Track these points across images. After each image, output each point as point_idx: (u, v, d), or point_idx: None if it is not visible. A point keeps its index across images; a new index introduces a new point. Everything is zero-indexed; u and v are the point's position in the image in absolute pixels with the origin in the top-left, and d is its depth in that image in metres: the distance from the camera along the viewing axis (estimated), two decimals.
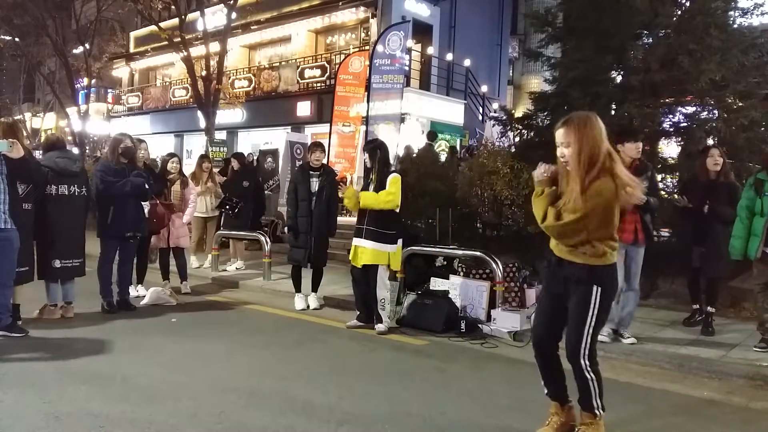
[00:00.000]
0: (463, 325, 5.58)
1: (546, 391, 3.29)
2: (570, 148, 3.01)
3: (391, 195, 5.45)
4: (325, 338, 5.45)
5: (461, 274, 6.32)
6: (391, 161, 6.26)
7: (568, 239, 3.04)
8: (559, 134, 3.06)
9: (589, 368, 3.06)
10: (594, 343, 3.08)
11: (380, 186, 5.50)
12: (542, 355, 3.26)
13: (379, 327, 5.58)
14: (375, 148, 5.69)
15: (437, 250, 6.71)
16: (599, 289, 3.02)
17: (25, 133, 6.04)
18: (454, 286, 6.11)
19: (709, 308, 5.55)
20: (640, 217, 5.02)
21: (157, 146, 20.67)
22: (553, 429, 3.26)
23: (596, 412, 3.11)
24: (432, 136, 12.57)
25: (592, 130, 2.98)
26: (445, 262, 6.90)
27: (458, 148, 14.62)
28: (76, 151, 18.28)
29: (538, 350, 3.27)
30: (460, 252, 6.49)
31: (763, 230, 4.88)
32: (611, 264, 3.05)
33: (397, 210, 5.61)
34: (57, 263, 5.63)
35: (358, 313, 5.82)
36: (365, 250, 5.51)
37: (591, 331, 3.04)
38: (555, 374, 3.25)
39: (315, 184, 6.31)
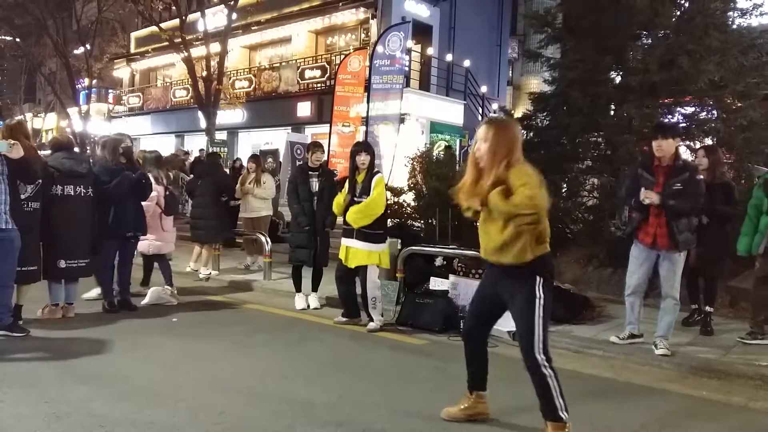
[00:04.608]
0: (462, 325, 5.58)
1: (467, 375, 3.45)
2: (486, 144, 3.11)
3: (375, 203, 5.47)
4: (325, 338, 5.46)
5: (461, 273, 6.32)
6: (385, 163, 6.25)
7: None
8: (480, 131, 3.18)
9: (545, 364, 3.04)
10: (546, 344, 3.09)
11: (368, 188, 5.52)
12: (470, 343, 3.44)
13: (371, 325, 5.62)
14: (372, 150, 5.71)
15: (437, 250, 6.72)
16: (540, 279, 3.08)
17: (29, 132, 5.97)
18: (453, 286, 6.13)
19: (707, 308, 5.56)
20: (666, 221, 4.73)
21: (158, 146, 20.72)
22: (458, 410, 3.42)
23: (561, 414, 3.00)
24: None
25: (509, 133, 3.13)
26: (445, 262, 6.91)
27: (458, 148, 14.63)
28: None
29: (467, 339, 3.45)
30: (459, 252, 6.50)
31: (766, 228, 4.97)
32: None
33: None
34: (62, 263, 5.62)
35: (343, 310, 5.92)
36: (357, 251, 5.54)
37: (542, 322, 3.06)
38: (477, 359, 3.42)
39: (315, 185, 6.33)
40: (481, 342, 3.43)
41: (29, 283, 5.20)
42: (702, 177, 4.83)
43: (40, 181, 5.18)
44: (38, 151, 6.11)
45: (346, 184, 5.70)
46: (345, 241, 5.65)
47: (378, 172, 5.69)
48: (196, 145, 20.77)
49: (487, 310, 3.38)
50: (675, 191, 4.70)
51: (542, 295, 3.08)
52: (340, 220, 5.91)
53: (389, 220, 7.79)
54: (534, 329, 3.06)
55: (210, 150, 14.42)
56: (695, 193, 4.74)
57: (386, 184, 5.68)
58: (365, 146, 5.82)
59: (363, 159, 5.58)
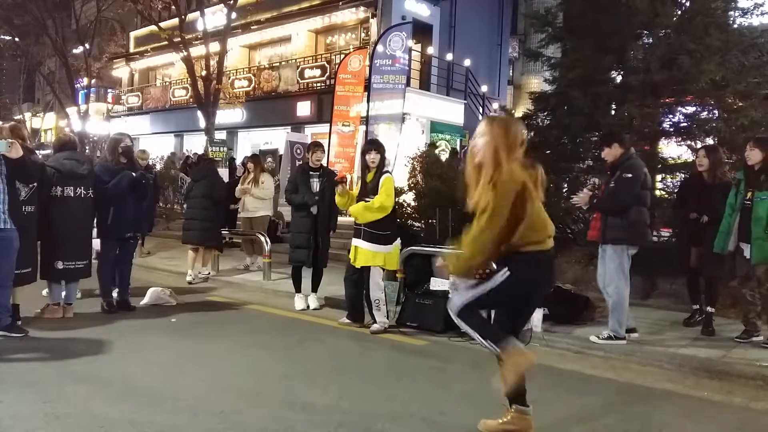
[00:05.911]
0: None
1: None
2: (483, 138, 3.10)
3: (382, 206, 5.41)
4: (325, 338, 5.45)
5: None
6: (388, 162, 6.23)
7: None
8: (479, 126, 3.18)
9: (460, 320, 3.18)
10: (469, 306, 3.22)
11: (376, 187, 5.49)
12: None
13: (374, 327, 5.59)
14: (383, 149, 5.67)
15: (437, 250, 6.70)
16: (507, 272, 3.10)
17: (26, 134, 5.89)
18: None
19: (708, 308, 5.55)
20: (601, 218, 5.19)
21: (157, 146, 20.73)
22: (496, 423, 3.22)
23: (494, 351, 3.03)
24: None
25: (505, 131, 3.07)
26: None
27: (458, 148, 14.62)
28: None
29: None
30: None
31: (733, 224, 5.04)
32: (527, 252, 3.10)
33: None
34: (60, 264, 5.61)
35: (347, 312, 5.89)
36: (362, 251, 5.52)
37: (475, 296, 3.17)
38: None
39: (316, 185, 6.31)
40: None
41: (23, 285, 5.18)
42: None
43: (35, 184, 5.15)
44: (36, 151, 6.09)
45: (358, 183, 5.68)
46: (353, 241, 5.63)
47: (387, 171, 5.62)
48: (194, 145, 20.80)
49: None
50: (611, 189, 5.12)
51: (496, 282, 3.11)
52: (341, 220, 5.90)
53: None
54: (466, 293, 3.20)
55: (209, 153, 14.36)
56: (619, 190, 5.06)
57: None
58: (376, 144, 5.73)
59: (373, 157, 5.53)
